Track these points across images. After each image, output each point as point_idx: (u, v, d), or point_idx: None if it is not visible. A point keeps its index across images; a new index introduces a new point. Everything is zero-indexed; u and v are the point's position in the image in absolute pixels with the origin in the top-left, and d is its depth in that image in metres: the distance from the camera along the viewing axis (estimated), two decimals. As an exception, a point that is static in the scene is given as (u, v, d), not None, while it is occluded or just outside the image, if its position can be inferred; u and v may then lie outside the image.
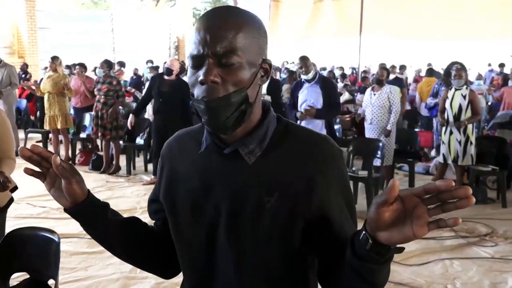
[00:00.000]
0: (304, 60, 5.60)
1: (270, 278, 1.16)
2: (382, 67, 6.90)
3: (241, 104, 1.08)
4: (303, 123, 5.59)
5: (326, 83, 5.72)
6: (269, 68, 1.14)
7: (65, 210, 1.21)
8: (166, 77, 6.73)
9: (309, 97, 5.59)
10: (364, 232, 0.98)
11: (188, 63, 1.11)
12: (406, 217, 0.92)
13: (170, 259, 1.33)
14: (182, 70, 6.97)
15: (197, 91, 1.09)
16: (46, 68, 9.89)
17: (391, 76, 9.70)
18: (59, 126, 8.14)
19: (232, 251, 1.16)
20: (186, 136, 1.28)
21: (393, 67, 12.06)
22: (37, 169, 1.18)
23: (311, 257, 1.20)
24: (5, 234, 2.61)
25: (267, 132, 1.16)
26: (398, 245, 0.98)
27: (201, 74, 1.06)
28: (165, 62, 7.39)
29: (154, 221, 1.38)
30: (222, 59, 1.06)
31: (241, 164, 1.14)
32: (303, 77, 5.65)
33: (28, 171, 1.16)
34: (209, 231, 1.18)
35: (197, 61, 1.08)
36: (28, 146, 1.16)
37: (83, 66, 8.90)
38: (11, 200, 2.90)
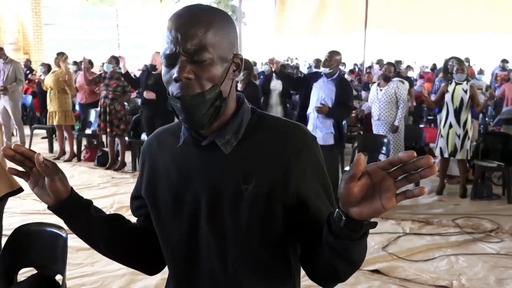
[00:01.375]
0: (331, 53, 5.53)
1: (253, 264, 1.20)
2: (389, 63, 6.86)
3: (215, 100, 1.13)
4: (311, 120, 5.57)
5: (343, 84, 5.61)
6: (240, 62, 1.18)
7: (49, 208, 1.23)
8: (153, 71, 6.92)
9: (321, 92, 5.53)
10: (337, 209, 1.01)
11: (162, 62, 1.14)
12: (374, 191, 0.95)
13: (153, 256, 1.36)
14: None
15: (172, 88, 1.13)
16: (43, 64, 9.87)
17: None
18: (55, 122, 8.17)
19: (214, 240, 1.19)
20: (165, 132, 1.32)
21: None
22: (20, 168, 1.20)
23: (293, 242, 1.23)
24: (13, 229, 2.62)
25: (242, 122, 1.20)
26: (371, 220, 1.01)
27: (175, 72, 1.10)
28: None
29: (136, 218, 1.40)
30: (194, 56, 1.10)
31: (218, 155, 1.18)
32: (322, 69, 5.59)
33: (12, 171, 1.18)
34: (191, 222, 1.21)
35: (170, 60, 1.11)
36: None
37: (90, 63, 8.93)
38: (9, 194, 2.85)
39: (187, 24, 1.09)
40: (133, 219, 1.42)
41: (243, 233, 1.17)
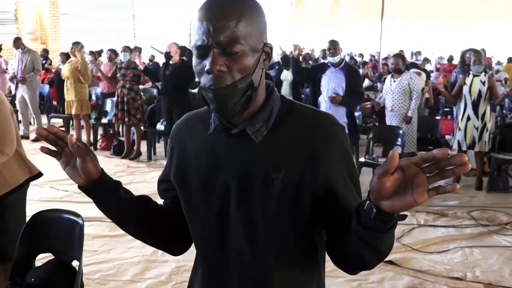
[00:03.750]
0: (333, 43, 5.71)
1: (281, 250, 1.22)
2: (396, 55, 6.80)
3: (246, 90, 1.14)
4: (322, 109, 5.63)
5: (351, 72, 5.80)
6: (270, 51, 1.19)
7: (79, 188, 1.27)
8: (171, 61, 6.98)
9: (331, 82, 5.64)
10: (368, 201, 1.02)
11: (193, 52, 1.15)
12: (407, 185, 0.97)
13: (179, 237, 1.39)
14: (182, 53, 7.08)
15: (204, 80, 1.13)
16: (61, 54, 9.92)
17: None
18: (73, 112, 8.26)
19: (243, 226, 1.21)
20: (194, 118, 1.33)
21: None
22: (53, 148, 1.23)
23: (319, 229, 1.26)
24: (31, 215, 2.66)
25: (272, 111, 1.21)
26: (400, 213, 1.02)
27: (207, 64, 1.11)
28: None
29: (163, 200, 1.43)
30: (226, 48, 1.10)
31: (249, 143, 1.19)
32: (329, 59, 5.71)
33: (44, 150, 1.21)
34: (220, 207, 1.23)
35: (202, 51, 1.12)
36: None
37: (114, 53, 8.97)
38: (29, 180, 2.90)
39: (219, 15, 1.09)
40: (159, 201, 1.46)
41: (272, 219, 1.19)
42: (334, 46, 5.67)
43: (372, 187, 0.99)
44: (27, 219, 2.68)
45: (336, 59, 5.65)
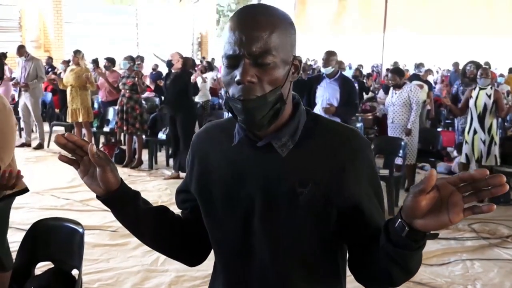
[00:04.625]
0: (328, 54, 5.71)
1: (304, 265, 1.21)
2: (393, 71, 6.76)
3: (276, 103, 1.12)
4: None
5: (346, 83, 5.81)
6: (299, 64, 1.17)
7: (98, 197, 1.24)
8: (173, 70, 7.00)
9: (326, 93, 5.69)
10: (400, 220, 1.01)
11: (223, 62, 1.13)
12: (442, 204, 0.96)
13: (196, 247, 1.38)
14: (185, 63, 7.08)
15: (233, 90, 1.11)
16: (63, 62, 9.93)
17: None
18: (80, 120, 8.32)
19: (267, 239, 1.20)
20: (215, 128, 1.31)
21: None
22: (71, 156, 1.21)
23: (341, 245, 1.25)
24: (32, 224, 2.66)
25: (299, 125, 1.19)
26: (432, 232, 1.01)
27: (237, 74, 1.09)
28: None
29: (181, 211, 1.41)
30: (258, 59, 1.08)
31: (274, 157, 1.17)
32: (322, 70, 5.75)
33: (63, 158, 1.19)
34: (244, 220, 1.21)
35: (233, 61, 1.10)
36: (53, 138, 1.19)
37: (111, 61, 9.00)
38: (15, 194, 2.73)
39: (252, 25, 1.08)
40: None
41: (296, 234, 1.18)
42: (327, 57, 5.67)
43: (406, 205, 0.98)
44: (28, 227, 2.67)
45: (329, 69, 5.66)
